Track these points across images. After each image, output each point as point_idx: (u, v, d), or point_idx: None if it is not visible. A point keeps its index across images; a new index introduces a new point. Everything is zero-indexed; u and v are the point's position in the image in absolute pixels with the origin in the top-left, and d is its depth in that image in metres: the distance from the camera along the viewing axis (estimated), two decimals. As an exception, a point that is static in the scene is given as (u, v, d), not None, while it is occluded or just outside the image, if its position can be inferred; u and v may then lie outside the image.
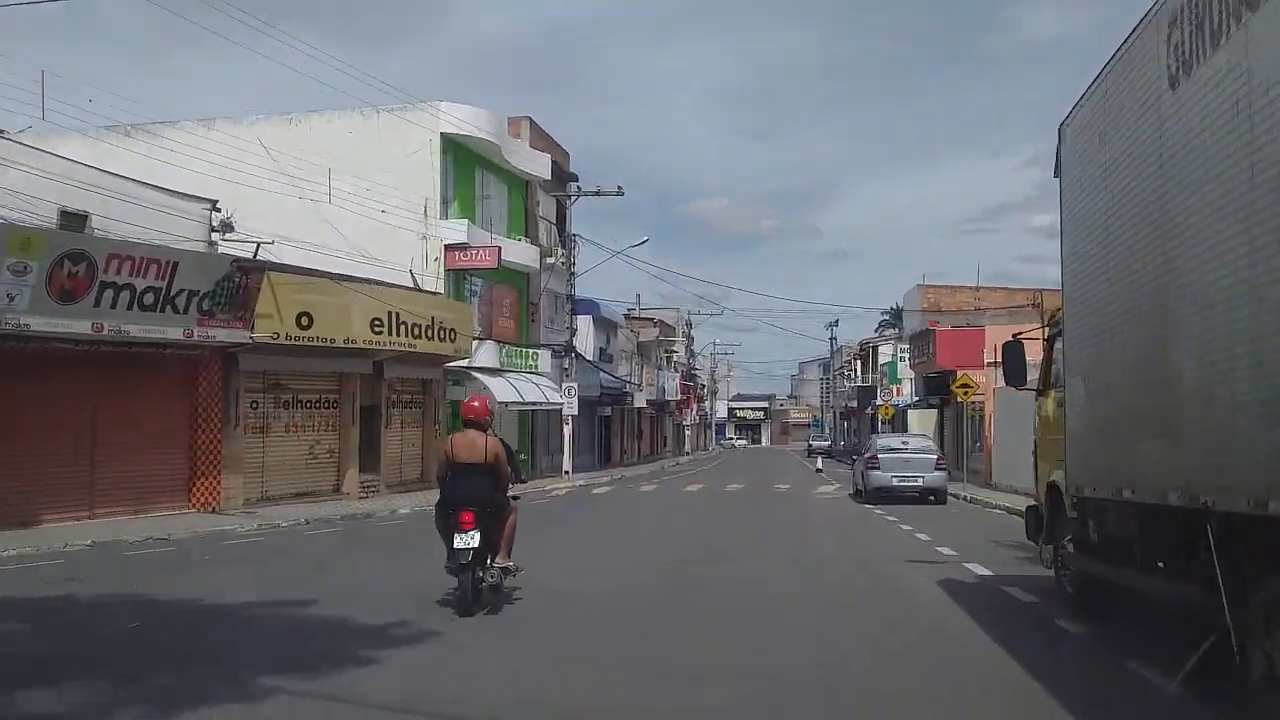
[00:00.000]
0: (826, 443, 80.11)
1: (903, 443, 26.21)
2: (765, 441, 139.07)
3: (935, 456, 25.23)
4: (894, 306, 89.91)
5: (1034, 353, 11.54)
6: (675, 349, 78.38)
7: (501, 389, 33.10)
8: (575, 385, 37.37)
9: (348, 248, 28.70)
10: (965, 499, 26.05)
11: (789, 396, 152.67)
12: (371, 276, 26.97)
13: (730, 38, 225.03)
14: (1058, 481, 9.23)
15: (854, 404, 76.60)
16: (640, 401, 57.73)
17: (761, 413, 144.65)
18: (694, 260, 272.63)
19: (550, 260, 39.75)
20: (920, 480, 24.82)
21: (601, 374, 47.65)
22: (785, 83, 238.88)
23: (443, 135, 31.91)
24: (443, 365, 30.90)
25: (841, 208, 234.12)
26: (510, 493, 10.05)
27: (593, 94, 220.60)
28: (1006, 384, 10.61)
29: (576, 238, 38.33)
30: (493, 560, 9.61)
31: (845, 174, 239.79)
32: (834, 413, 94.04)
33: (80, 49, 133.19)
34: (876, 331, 79.92)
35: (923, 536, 16.79)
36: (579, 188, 39.50)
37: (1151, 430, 6.51)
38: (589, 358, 44.89)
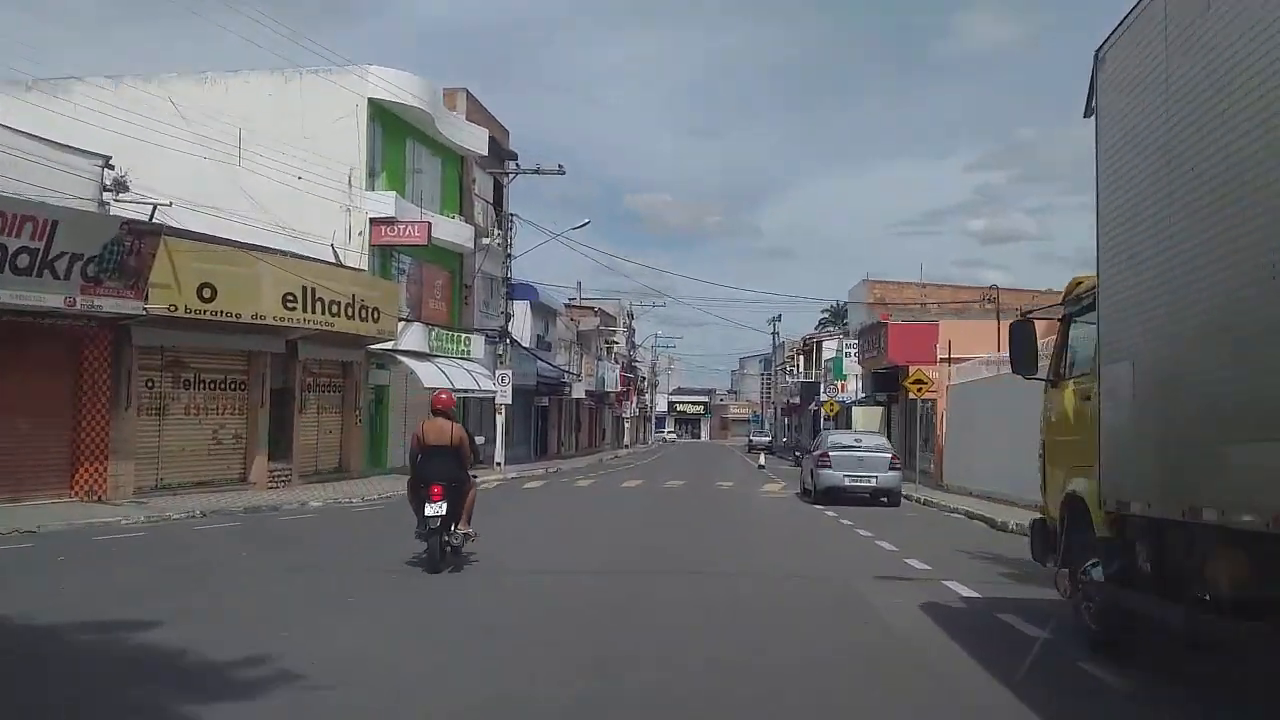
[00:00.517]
0: (768, 439, 78.61)
1: (856, 440, 24.58)
2: (704, 436, 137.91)
3: (890, 455, 23.63)
4: (835, 304, 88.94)
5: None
6: (616, 340, 76.58)
7: (429, 374, 31.06)
8: (510, 373, 35.40)
9: (265, 218, 26.56)
10: (919, 501, 24.52)
11: (729, 392, 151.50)
12: (288, 249, 24.87)
13: (675, 35, 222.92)
14: (1079, 492, 7.51)
15: (796, 400, 75.28)
16: (579, 392, 55.80)
17: (701, 407, 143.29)
18: (636, 254, 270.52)
19: (486, 241, 37.72)
20: (874, 480, 23.23)
21: (539, 362, 45.69)
22: (730, 82, 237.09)
23: (370, 101, 29.74)
24: (365, 347, 28.84)
25: (783, 207, 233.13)
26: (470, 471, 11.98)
27: (536, 85, 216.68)
28: (1014, 372, 8.82)
29: (514, 217, 36.27)
30: (456, 526, 11.49)
31: (787, 174, 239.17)
32: (775, 409, 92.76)
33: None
34: (817, 329, 78.79)
35: (885, 545, 15.12)
36: (518, 165, 37.46)
37: (1258, 431, 4.77)
38: (525, 345, 42.90)
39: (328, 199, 28.53)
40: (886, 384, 38.11)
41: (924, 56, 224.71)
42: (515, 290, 40.92)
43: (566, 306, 58.28)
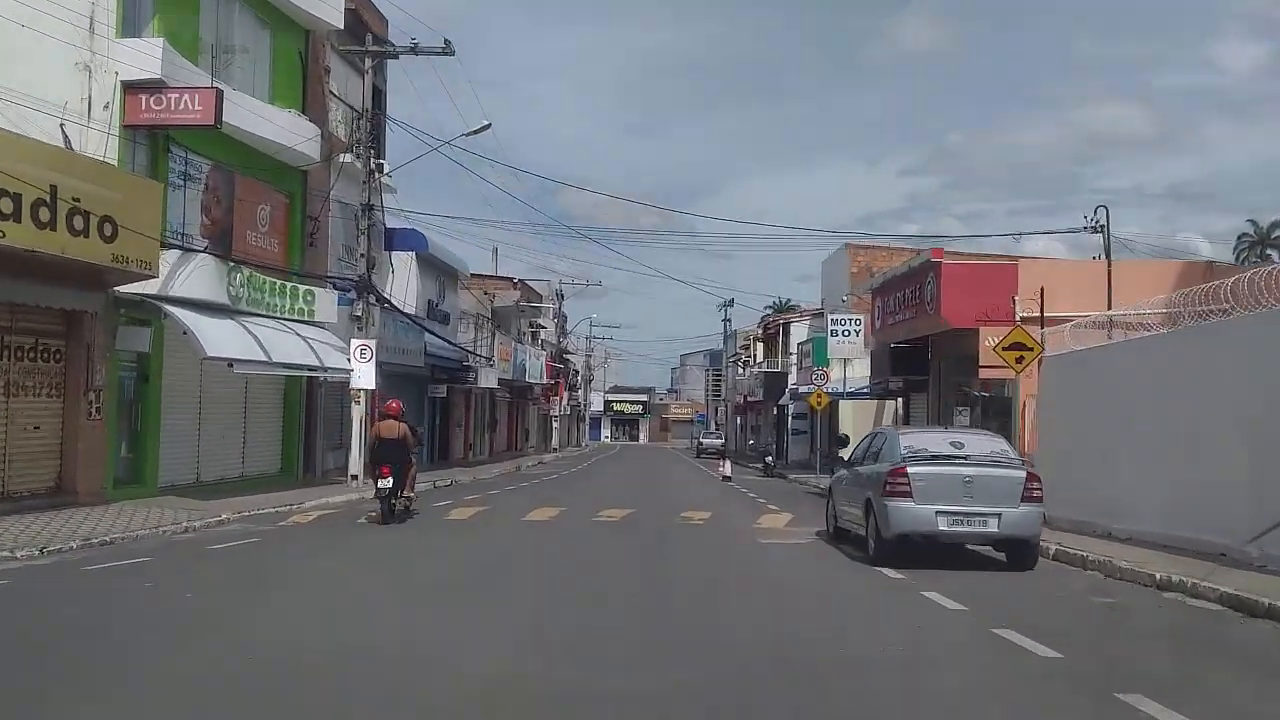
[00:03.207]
0: (720, 441, 67.18)
1: (954, 445, 13.26)
2: (643, 438, 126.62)
3: (1024, 475, 12.58)
4: (778, 300, 78.94)
5: None
6: (543, 323, 65.16)
7: (229, 339, 19.74)
8: (372, 345, 24.11)
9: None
10: (1050, 555, 13.63)
11: (669, 390, 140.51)
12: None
13: (607, 32, 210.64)
14: None
15: (756, 396, 64.47)
16: (489, 380, 44.19)
17: (640, 407, 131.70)
18: (570, 249, 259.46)
19: (345, 158, 26.29)
20: (994, 522, 12.15)
21: (429, 336, 34.08)
22: (664, 81, 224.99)
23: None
24: (109, 289, 17.52)
25: (720, 208, 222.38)
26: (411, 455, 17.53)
27: (465, 78, 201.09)
28: None
29: (380, 116, 24.72)
30: (401, 493, 17.00)
31: (724, 175, 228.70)
32: (726, 407, 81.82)
33: None
34: (760, 323, 68.60)
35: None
36: (389, 45, 25.85)
37: None
38: (408, 312, 31.50)
39: (57, 38, 17.03)
40: (911, 363, 27.22)
41: (857, 59, 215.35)
42: (396, 237, 29.68)
43: (476, 277, 46.90)
